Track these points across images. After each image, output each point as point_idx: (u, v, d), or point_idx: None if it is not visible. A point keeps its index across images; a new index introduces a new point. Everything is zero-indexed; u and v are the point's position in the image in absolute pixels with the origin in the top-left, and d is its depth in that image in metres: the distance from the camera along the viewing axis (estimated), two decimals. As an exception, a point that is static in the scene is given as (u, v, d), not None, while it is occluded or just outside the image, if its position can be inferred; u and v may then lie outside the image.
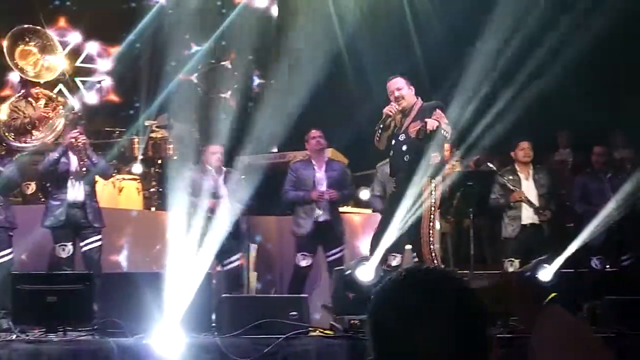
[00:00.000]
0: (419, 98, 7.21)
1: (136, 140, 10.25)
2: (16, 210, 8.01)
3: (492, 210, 8.95)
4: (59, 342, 5.81)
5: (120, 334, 5.86)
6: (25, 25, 10.15)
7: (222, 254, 7.82)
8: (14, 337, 5.85)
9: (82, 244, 7.80)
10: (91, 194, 7.93)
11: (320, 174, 8.46)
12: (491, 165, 9.05)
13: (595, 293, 7.18)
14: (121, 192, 9.24)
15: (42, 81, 9.98)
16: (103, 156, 8.35)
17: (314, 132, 8.56)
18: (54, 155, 7.98)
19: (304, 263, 8.23)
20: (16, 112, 9.58)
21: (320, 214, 8.28)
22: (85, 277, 6.36)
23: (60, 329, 5.97)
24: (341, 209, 9.02)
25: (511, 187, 8.60)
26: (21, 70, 9.89)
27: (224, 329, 6.13)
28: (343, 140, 9.79)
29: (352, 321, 6.22)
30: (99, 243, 7.84)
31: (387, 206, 7.51)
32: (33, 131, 9.54)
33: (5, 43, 9.95)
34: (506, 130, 8.81)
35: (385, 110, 7.06)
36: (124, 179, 9.40)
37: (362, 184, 9.74)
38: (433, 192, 6.97)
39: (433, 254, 7.01)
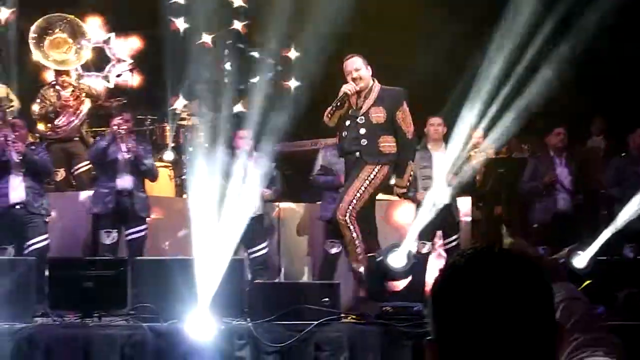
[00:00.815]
0: (375, 80, 7.09)
1: (167, 127, 10.32)
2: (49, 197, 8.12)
3: (524, 197, 8.91)
4: (94, 327, 5.88)
5: (154, 319, 5.91)
6: (52, 14, 10.25)
7: (249, 240, 7.86)
8: (50, 322, 5.92)
9: (127, 232, 7.90)
10: (139, 183, 8.02)
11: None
12: (525, 147, 9.01)
13: (630, 281, 7.12)
14: (154, 179, 9.30)
15: (73, 67, 10.10)
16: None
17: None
18: (102, 143, 8.12)
19: (333, 250, 8.25)
20: (43, 100, 9.69)
21: None
22: (120, 263, 6.41)
23: (96, 314, 6.03)
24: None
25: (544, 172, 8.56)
26: (58, 63, 10.02)
27: (256, 314, 6.16)
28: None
29: (384, 308, 6.23)
30: (143, 232, 7.94)
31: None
32: (55, 119, 9.63)
33: (32, 36, 10.06)
34: (539, 117, 8.75)
35: (344, 89, 6.95)
36: (156, 166, 9.45)
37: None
38: (373, 174, 6.87)
39: (349, 224, 6.84)
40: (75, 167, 9.53)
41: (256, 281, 7.02)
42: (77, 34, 10.23)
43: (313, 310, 6.11)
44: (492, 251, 1.51)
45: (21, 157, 7.69)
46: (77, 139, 9.67)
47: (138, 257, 7.22)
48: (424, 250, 8.26)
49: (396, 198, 9.60)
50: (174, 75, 11.16)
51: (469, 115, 8.06)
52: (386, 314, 6.21)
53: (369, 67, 7.04)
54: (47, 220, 7.80)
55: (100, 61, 10.97)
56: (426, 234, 8.12)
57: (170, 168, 9.65)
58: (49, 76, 10.34)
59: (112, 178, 7.95)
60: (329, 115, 7.03)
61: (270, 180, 8.30)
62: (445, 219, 8.20)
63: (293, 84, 12.28)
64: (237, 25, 12.28)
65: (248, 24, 12.29)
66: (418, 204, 8.20)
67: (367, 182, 6.85)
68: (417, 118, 8.85)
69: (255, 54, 12.01)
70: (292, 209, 9.44)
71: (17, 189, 7.68)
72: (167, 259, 6.88)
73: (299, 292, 6.37)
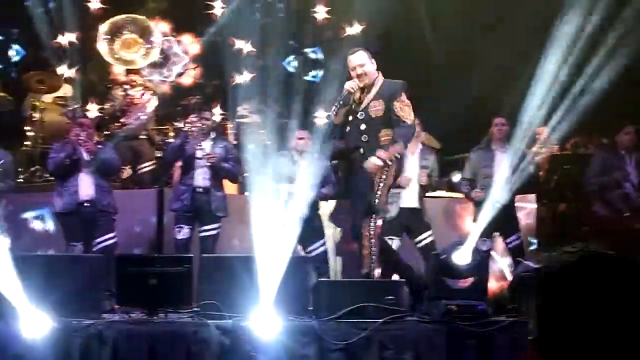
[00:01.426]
0: (380, 73, 6.91)
1: (228, 125, 10.39)
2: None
3: (592, 192, 8.74)
4: (160, 323, 5.95)
5: (219, 316, 5.95)
6: (121, 16, 10.41)
7: (307, 239, 7.87)
8: (117, 318, 6.00)
9: (200, 229, 7.97)
10: (217, 181, 8.08)
11: (412, 160, 8.43)
12: (590, 144, 8.86)
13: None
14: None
15: (140, 66, 10.25)
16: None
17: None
18: (176, 141, 8.22)
19: (394, 247, 8.22)
20: (112, 99, 9.86)
21: (407, 199, 8.26)
22: (186, 260, 6.46)
23: (162, 311, 6.10)
24: (431, 193, 8.98)
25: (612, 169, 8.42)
26: (125, 62, 10.19)
27: (320, 312, 6.17)
28: (436, 124, 9.70)
29: (449, 306, 6.19)
30: (216, 231, 8.00)
31: (343, 185, 7.36)
32: (122, 117, 9.79)
33: (103, 37, 10.23)
34: (607, 113, 8.59)
35: (347, 86, 6.79)
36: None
37: (454, 168, 9.67)
38: (385, 174, 6.74)
39: (370, 232, 6.77)
40: (140, 167, 9.66)
41: (321, 279, 7.02)
42: (146, 33, 10.39)
43: (377, 308, 6.10)
44: (599, 254, 1.49)
45: (91, 156, 7.82)
46: (143, 137, 9.81)
47: (202, 255, 7.28)
48: (485, 248, 8.19)
49: (456, 195, 9.58)
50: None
51: (532, 113, 7.96)
52: (451, 312, 6.17)
53: (373, 61, 6.87)
54: (114, 217, 7.92)
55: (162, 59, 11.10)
56: (487, 232, 8.05)
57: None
58: (119, 76, 10.53)
59: (190, 176, 8.04)
60: (334, 113, 6.90)
61: (325, 179, 8.30)
62: (506, 218, 8.12)
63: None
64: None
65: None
66: (477, 202, 8.15)
67: (384, 182, 6.74)
68: (482, 119, 8.85)
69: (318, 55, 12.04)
70: (347, 207, 9.40)
71: (86, 187, 7.81)
72: (231, 256, 6.92)
73: (364, 290, 6.37)
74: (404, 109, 6.74)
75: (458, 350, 6.06)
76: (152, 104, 9.90)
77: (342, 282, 6.94)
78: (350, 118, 6.82)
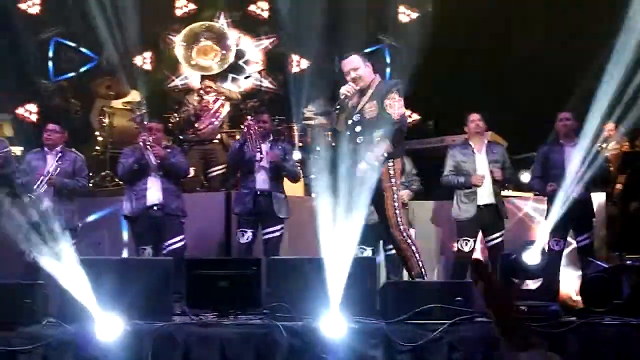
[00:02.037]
0: (377, 75, 6.86)
1: (294, 127, 10.44)
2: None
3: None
4: (230, 325, 5.98)
5: (288, 318, 5.97)
6: (197, 24, 10.57)
7: (385, 239, 7.87)
8: (188, 320, 6.06)
9: (263, 232, 8.04)
10: (278, 184, 8.14)
11: (480, 158, 8.37)
12: None
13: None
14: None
15: (215, 72, 10.41)
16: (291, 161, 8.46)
17: (474, 116, 8.47)
18: (235, 144, 8.30)
19: (466, 248, 8.17)
20: (186, 105, 10.01)
21: (482, 198, 8.19)
22: (255, 262, 6.49)
23: (232, 313, 6.14)
24: (502, 193, 8.90)
25: None
26: (201, 68, 10.34)
27: (388, 314, 6.15)
28: (502, 123, 9.60)
29: (520, 307, 6.11)
30: (279, 233, 8.06)
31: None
32: (196, 122, 9.92)
33: (181, 44, 10.38)
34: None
35: (342, 91, 6.73)
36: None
37: (522, 167, 9.57)
38: (391, 172, 6.68)
39: (405, 235, 6.70)
40: (210, 170, 9.78)
41: (388, 280, 7.00)
42: (221, 39, 10.54)
43: (446, 309, 6.06)
44: None
45: (159, 160, 7.93)
46: (216, 141, 9.94)
47: (271, 257, 7.32)
48: (557, 248, 8.08)
49: (526, 194, 9.47)
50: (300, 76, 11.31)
51: (600, 108, 7.83)
52: (521, 313, 6.09)
53: (368, 64, 6.83)
54: (183, 221, 8.02)
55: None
56: (559, 231, 7.94)
57: (299, 167, 9.74)
58: (195, 83, 10.71)
59: (251, 179, 8.10)
60: (335, 120, 6.90)
61: (408, 180, 8.27)
62: (578, 216, 7.99)
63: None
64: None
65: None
66: (549, 199, 8.03)
67: (394, 184, 6.70)
68: (547, 113, 8.72)
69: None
70: (422, 207, 9.39)
71: (155, 190, 7.93)
72: (298, 258, 6.93)
73: (432, 291, 6.32)
74: (393, 105, 6.66)
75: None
76: (225, 109, 10.03)
77: (410, 283, 6.88)
78: (349, 122, 6.82)
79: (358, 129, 6.73)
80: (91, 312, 5.68)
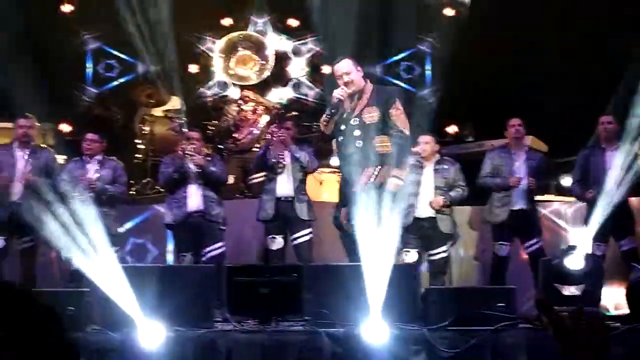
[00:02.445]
0: (368, 81, 6.91)
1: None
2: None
3: None
4: (272, 332, 6.01)
5: (329, 325, 5.98)
6: (235, 33, 10.63)
7: (428, 244, 7.84)
8: (230, 327, 6.09)
9: (292, 237, 8.05)
10: (300, 187, 8.16)
11: (519, 162, 8.31)
12: None
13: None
14: (322, 185, 9.44)
15: (253, 83, 10.47)
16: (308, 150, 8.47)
17: (514, 121, 8.40)
18: (260, 152, 8.34)
19: (503, 252, 8.11)
20: (225, 115, 10.08)
21: (517, 202, 8.13)
22: (296, 269, 6.52)
23: (273, 320, 6.16)
24: (540, 198, 8.82)
25: None
26: (239, 78, 10.41)
27: (430, 320, 6.13)
28: (543, 127, 9.53)
29: (562, 313, 6.05)
30: (308, 237, 8.05)
31: (341, 191, 7.23)
32: (235, 133, 9.97)
33: (219, 54, 10.46)
34: None
35: (336, 94, 6.77)
36: (323, 171, 9.60)
37: (562, 171, 9.49)
38: (373, 178, 6.69)
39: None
40: (251, 177, 9.82)
41: (430, 286, 6.98)
42: (260, 49, 10.59)
43: (488, 315, 6.02)
44: None
45: (198, 169, 7.98)
46: (255, 149, 9.98)
47: (312, 264, 7.33)
48: (599, 253, 7.99)
49: (570, 199, 9.38)
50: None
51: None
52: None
53: (359, 69, 6.89)
54: (223, 228, 8.06)
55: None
56: (600, 235, 7.85)
57: (338, 173, 9.74)
58: (234, 94, 10.78)
59: (273, 185, 8.14)
60: (325, 123, 6.92)
61: (452, 184, 8.24)
62: (621, 220, 7.90)
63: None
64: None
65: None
66: (590, 204, 7.95)
67: (370, 181, 6.69)
68: (590, 117, 8.64)
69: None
70: (462, 213, 9.34)
71: (195, 198, 7.98)
72: (338, 265, 6.94)
73: (474, 297, 6.30)
74: (400, 118, 6.79)
75: (572, 358, 5.90)
76: (264, 119, 10.07)
77: (452, 289, 6.88)
78: (343, 127, 6.83)
79: (357, 132, 6.78)
80: (134, 319, 5.73)
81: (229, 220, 8.28)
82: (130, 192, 9.64)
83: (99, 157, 8.24)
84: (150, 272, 6.45)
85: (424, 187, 8.08)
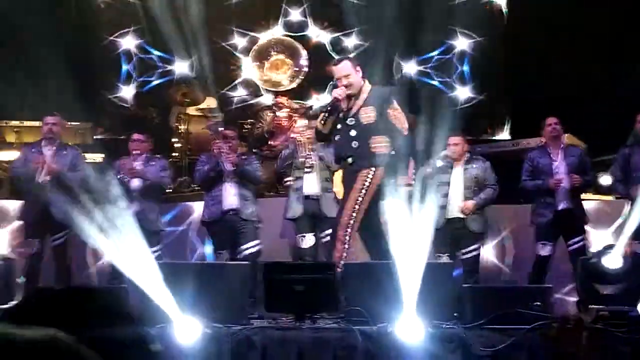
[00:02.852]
0: (366, 80, 6.87)
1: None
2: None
3: None
4: (307, 330, 6.01)
5: (364, 323, 5.97)
6: (266, 39, 10.66)
7: (457, 243, 7.82)
8: (266, 324, 6.11)
9: (321, 235, 8.07)
10: (327, 185, 8.18)
11: (557, 162, 8.25)
12: None
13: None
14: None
15: (284, 89, 10.49)
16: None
17: (550, 119, 8.36)
18: (286, 150, 8.37)
19: (544, 252, 8.06)
20: (260, 121, 10.12)
21: (561, 202, 8.07)
22: (330, 266, 6.52)
23: (308, 317, 6.17)
24: (582, 196, 8.75)
25: None
26: (272, 84, 10.44)
27: (466, 318, 6.10)
28: (581, 125, 9.45)
29: (601, 312, 6.01)
30: None
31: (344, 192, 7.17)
32: (270, 139, 10.00)
33: (253, 60, 10.50)
34: None
35: (335, 94, 6.77)
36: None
37: (601, 169, 9.40)
38: (368, 181, 6.64)
39: (347, 239, 6.64)
40: (287, 179, 9.84)
41: (466, 285, 6.95)
42: (294, 54, 10.61)
43: (524, 314, 5.98)
44: None
45: (233, 167, 8.02)
46: None
47: (347, 262, 7.32)
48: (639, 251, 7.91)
49: (609, 197, 9.30)
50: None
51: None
52: (602, 318, 5.98)
53: (358, 70, 6.87)
54: (258, 226, 8.10)
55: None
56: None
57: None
58: (267, 100, 10.84)
59: (300, 183, 8.18)
60: (322, 122, 6.88)
61: (483, 182, 8.21)
62: None
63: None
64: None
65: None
66: (633, 200, 7.86)
67: (364, 190, 6.66)
68: (627, 114, 8.56)
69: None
70: (499, 210, 9.30)
71: (230, 196, 8.03)
72: (373, 262, 6.92)
73: (510, 296, 6.25)
74: (398, 117, 6.75)
75: (611, 358, 5.86)
76: (299, 124, 10.08)
77: (488, 287, 6.84)
78: (339, 126, 6.81)
79: (353, 133, 6.76)
80: (171, 316, 5.77)
81: (265, 218, 8.32)
82: (167, 190, 9.72)
83: (145, 154, 8.33)
84: (187, 269, 6.49)
85: (454, 188, 8.08)
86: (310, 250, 8.13)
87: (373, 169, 6.68)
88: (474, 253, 8.04)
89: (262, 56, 10.78)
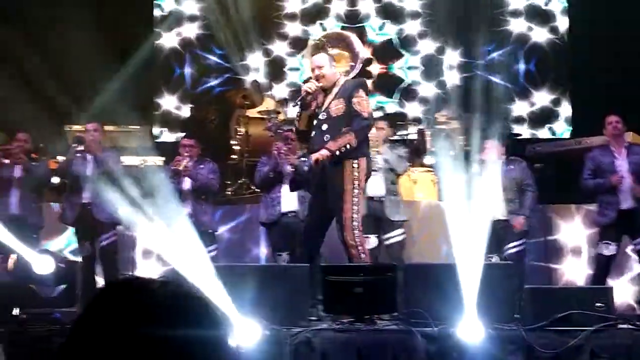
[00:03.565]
0: (342, 75, 6.78)
1: (427, 132, 10.41)
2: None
3: None
4: (366, 331, 6.02)
5: (424, 324, 5.95)
6: (327, 32, 10.69)
7: (498, 244, 7.79)
8: (325, 326, 6.13)
9: (384, 237, 8.06)
10: (391, 188, 8.17)
11: (620, 160, 8.10)
12: None
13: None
14: (416, 184, 9.41)
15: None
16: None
17: (611, 118, 8.21)
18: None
19: (607, 252, 7.93)
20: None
21: (624, 201, 7.93)
22: (389, 268, 6.51)
23: (368, 319, 6.17)
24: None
25: None
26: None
27: (528, 320, 6.05)
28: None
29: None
30: (400, 237, 8.05)
31: (313, 191, 6.99)
32: None
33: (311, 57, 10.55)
34: None
35: (304, 87, 6.68)
36: (417, 171, 9.58)
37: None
38: (355, 174, 6.48)
39: (358, 241, 6.50)
40: None
41: (528, 286, 6.89)
42: (348, 46, 10.62)
43: (587, 315, 5.90)
44: None
45: (293, 169, 8.04)
46: None
47: (407, 263, 7.32)
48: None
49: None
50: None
51: None
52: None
53: (334, 65, 6.79)
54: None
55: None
56: None
57: (433, 172, 9.70)
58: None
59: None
60: (298, 118, 6.83)
61: (521, 183, 8.13)
62: None
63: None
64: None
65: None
66: None
67: (356, 189, 6.52)
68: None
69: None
70: (560, 210, 9.20)
71: (289, 198, 8.05)
72: (433, 263, 6.92)
73: (572, 297, 6.18)
74: (361, 103, 6.64)
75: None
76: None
77: (550, 289, 6.77)
78: (315, 122, 6.75)
79: (324, 126, 6.68)
80: (230, 318, 5.82)
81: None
82: (227, 192, 9.80)
83: (195, 158, 8.39)
84: (246, 272, 6.54)
85: (494, 190, 8.02)
86: (373, 252, 8.10)
87: (355, 160, 6.59)
88: (518, 249, 8.02)
89: (320, 49, 10.81)
